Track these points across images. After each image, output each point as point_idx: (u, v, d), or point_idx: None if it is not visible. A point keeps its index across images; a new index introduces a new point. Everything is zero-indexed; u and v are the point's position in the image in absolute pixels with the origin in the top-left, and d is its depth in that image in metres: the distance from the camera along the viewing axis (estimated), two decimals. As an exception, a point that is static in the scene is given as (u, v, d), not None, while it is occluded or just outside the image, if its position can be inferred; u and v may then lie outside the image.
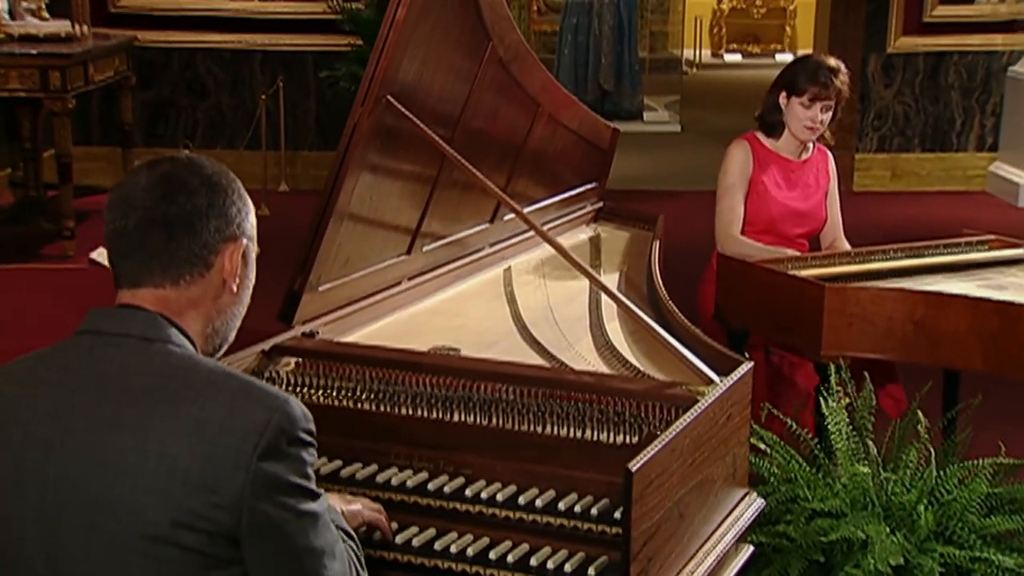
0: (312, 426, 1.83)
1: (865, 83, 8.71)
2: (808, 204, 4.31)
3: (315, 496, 1.83)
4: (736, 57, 15.65)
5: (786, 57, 15.54)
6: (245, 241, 1.94)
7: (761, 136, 4.32)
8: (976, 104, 8.95)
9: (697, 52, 14.78)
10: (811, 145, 4.34)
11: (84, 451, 1.76)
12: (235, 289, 1.94)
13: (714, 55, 15.69)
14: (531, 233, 3.40)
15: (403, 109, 2.69)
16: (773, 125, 4.30)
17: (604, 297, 3.16)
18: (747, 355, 3.79)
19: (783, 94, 4.22)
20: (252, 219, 1.97)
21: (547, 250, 3.34)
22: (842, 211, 4.47)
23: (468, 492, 2.36)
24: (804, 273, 3.75)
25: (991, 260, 3.97)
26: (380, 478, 2.42)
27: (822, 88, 4.15)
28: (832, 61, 4.22)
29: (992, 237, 4.11)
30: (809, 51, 10.36)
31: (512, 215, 3.27)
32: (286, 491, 1.77)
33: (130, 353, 1.82)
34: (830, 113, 4.22)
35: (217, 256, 1.90)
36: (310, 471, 1.82)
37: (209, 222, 1.88)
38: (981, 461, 3.20)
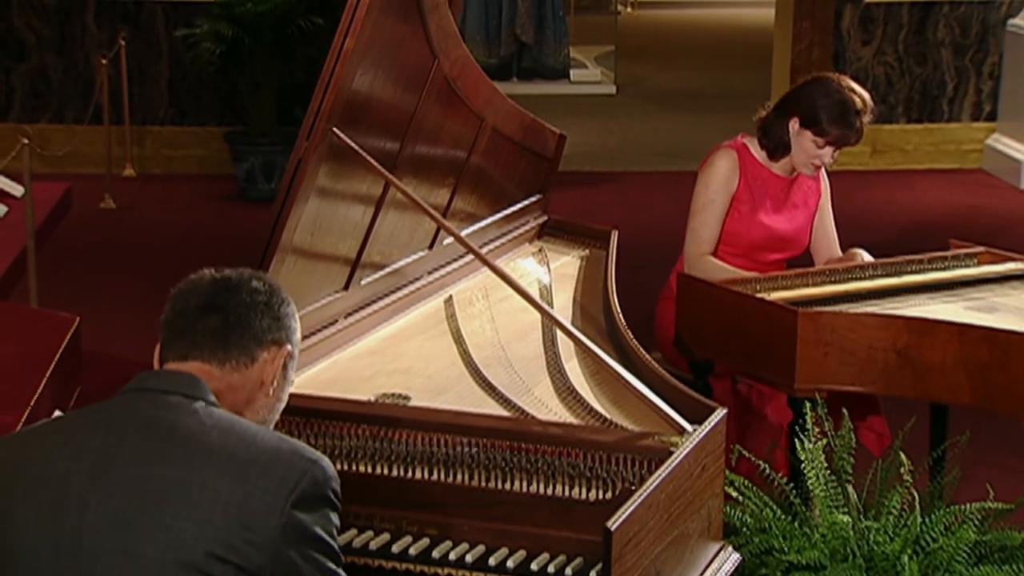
0: (339, 489, 2.49)
1: (839, 40, 9.26)
2: (792, 227, 4.85)
3: (340, 561, 2.47)
4: (680, -8, 16.22)
5: (742, -7, 16.23)
6: (289, 348, 2.61)
7: (753, 146, 4.80)
8: (971, 65, 9.54)
9: (632, -13, 15.40)
10: None
11: (128, 481, 2.37)
12: (271, 393, 2.61)
13: (653, -10, 16.24)
14: (470, 258, 4.00)
15: (349, 141, 3.28)
16: (776, 148, 4.75)
17: (559, 333, 3.76)
18: (711, 386, 4.44)
19: (796, 120, 4.66)
20: (298, 337, 2.68)
21: (488, 275, 3.92)
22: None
23: (435, 554, 2.97)
24: (774, 296, 4.32)
25: (980, 277, 4.62)
26: (339, 541, 2.98)
27: (847, 132, 4.62)
28: (859, 97, 4.61)
29: (981, 250, 4.76)
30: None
31: (451, 239, 3.87)
32: (314, 544, 2.42)
33: (175, 406, 2.45)
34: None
35: (262, 354, 2.57)
36: (336, 534, 2.47)
37: (263, 319, 2.57)
38: (969, 506, 3.83)
